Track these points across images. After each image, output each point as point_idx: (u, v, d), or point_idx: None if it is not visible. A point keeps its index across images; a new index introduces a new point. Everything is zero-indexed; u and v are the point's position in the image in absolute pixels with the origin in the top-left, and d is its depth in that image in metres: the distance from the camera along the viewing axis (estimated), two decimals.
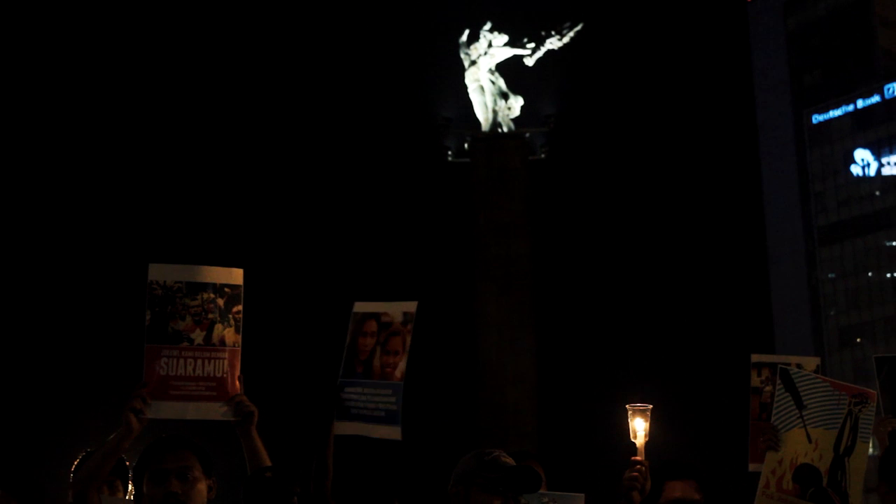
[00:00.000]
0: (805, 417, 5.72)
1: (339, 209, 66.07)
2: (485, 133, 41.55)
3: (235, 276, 5.37)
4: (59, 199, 62.71)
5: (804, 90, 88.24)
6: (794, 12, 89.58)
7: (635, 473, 5.59)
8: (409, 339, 5.75)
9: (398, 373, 5.71)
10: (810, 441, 5.72)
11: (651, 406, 5.75)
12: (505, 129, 41.52)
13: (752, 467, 6.49)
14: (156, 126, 67.32)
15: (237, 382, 5.32)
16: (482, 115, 41.80)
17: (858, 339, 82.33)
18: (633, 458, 5.66)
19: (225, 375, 5.27)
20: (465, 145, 41.69)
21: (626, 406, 5.77)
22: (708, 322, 73.05)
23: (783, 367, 5.91)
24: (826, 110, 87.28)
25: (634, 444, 5.70)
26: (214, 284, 5.30)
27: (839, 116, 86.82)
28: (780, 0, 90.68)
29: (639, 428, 5.71)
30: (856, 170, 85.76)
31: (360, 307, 5.87)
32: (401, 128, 53.49)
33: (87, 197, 62.11)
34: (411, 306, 5.82)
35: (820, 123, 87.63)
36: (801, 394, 5.73)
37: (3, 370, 45.07)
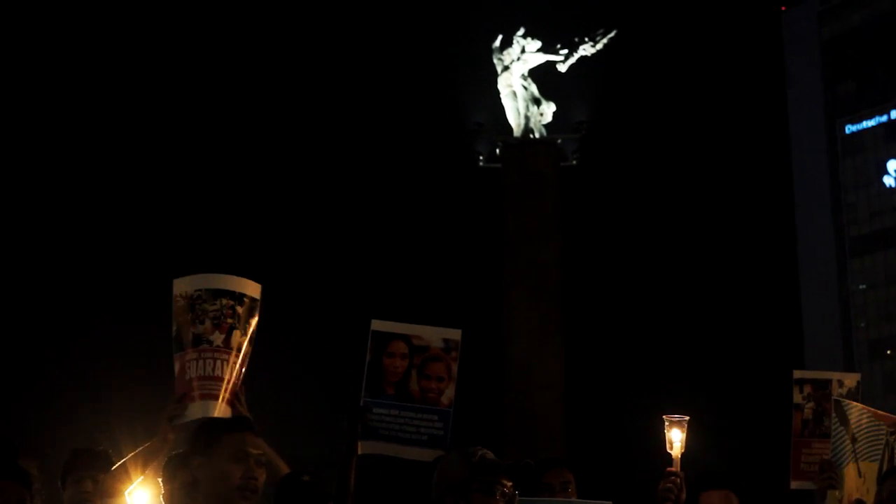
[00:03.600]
0: (857, 451, 5.66)
1: (369, 213, 66.18)
2: (516, 138, 41.48)
3: (254, 289, 5.37)
4: (83, 217, 62.64)
5: (837, 100, 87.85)
6: (828, 22, 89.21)
7: (670, 484, 5.55)
8: (455, 366, 5.82)
9: (445, 399, 5.79)
10: (860, 475, 5.66)
11: (688, 417, 5.72)
12: (536, 135, 41.46)
13: (793, 485, 6.48)
14: (181, 142, 67.42)
15: (240, 392, 5.31)
16: (514, 120, 41.75)
17: (889, 352, 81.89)
18: (668, 469, 5.62)
19: (237, 381, 5.28)
20: (497, 150, 41.63)
21: (663, 417, 5.73)
22: (737, 332, 72.82)
23: (837, 399, 5.86)
24: (859, 121, 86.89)
25: (670, 454, 5.67)
26: (234, 292, 5.31)
27: (872, 127, 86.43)
28: (814, 9, 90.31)
29: (675, 439, 5.67)
30: (888, 181, 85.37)
31: (382, 326, 5.85)
32: (433, 132, 53.59)
33: (112, 215, 62.02)
34: (455, 334, 5.87)
35: (853, 134, 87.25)
36: (852, 426, 5.67)
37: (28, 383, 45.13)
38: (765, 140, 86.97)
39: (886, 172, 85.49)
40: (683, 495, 5.57)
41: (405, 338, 5.81)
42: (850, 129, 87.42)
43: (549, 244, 39.63)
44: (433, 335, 5.84)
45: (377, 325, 5.84)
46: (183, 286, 5.29)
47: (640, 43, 61.54)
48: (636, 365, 63.81)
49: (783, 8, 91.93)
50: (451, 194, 56.82)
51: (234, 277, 5.35)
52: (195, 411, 5.16)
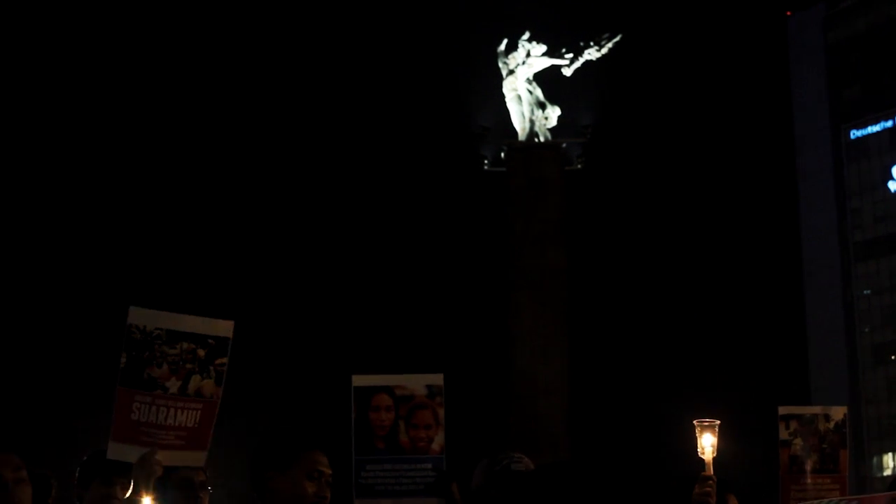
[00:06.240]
0: None
1: (373, 217, 66.22)
2: (521, 143, 41.52)
3: (223, 328, 5.21)
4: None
5: (843, 105, 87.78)
6: (833, 27, 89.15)
7: (707, 489, 5.54)
8: (441, 412, 5.76)
9: (436, 446, 5.74)
10: None
11: (719, 422, 5.71)
12: (542, 139, 41.48)
13: None
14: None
15: (209, 435, 5.20)
16: (519, 124, 41.77)
17: (893, 357, 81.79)
18: (703, 473, 5.61)
19: (196, 426, 5.14)
20: (502, 154, 41.68)
21: (694, 422, 5.71)
22: (741, 337, 72.78)
23: None
24: (864, 126, 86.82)
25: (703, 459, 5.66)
26: (196, 335, 5.16)
27: (877, 132, 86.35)
28: (819, 15, 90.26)
29: (707, 443, 5.66)
30: (893, 186, 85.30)
31: (363, 381, 5.81)
32: (438, 136, 53.60)
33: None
34: (437, 379, 5.81)
35: (858, 139, 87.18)
36: None
37: None
38: (770, 144, 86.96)
39: (891, 177, 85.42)
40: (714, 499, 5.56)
41: (388, 389, 5.76)
42: (855, 134, 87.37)
43: (554, 248, 39.69)
44: (416, 383, 5.78)
45: (358, 380, 5.80)
46: (140, 318, 5.11)
47: (645, 47, 61.55)
48: (641, 369, 63.84)
49: (788, 13, 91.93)
50: (457, 198, 56.86)
51: (199, 318, 5.20)
52: (135, 455, 5.03)
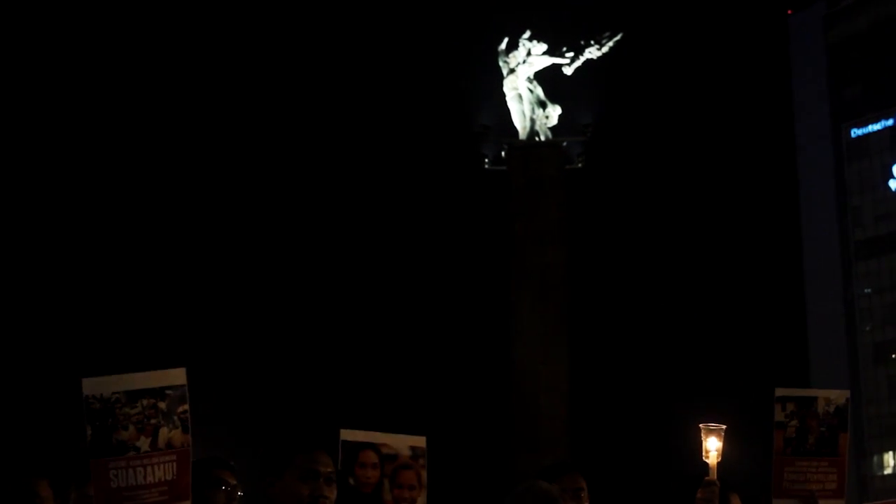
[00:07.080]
0: None
1: (372, 215, 66.20)
2: (522, 141, 41.53)
3: (176, 376, 5.24)
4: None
5: (843, 104, 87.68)
6: (834, 26, 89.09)
7: (709, 493, 5.53)
8: (424, 474, 5.85)
9: None
10: None
11: (725, 426, 5.70)
12: (542, 138, 41.49)
13: (775, 502, 6.49)
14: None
15: (189, 483, 5.24)
16: (520, 123, 41.78)
17: (894, 356, 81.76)
18: (706, 478, 5.59)
19: (175, 478, 5.15)
20: (502, 153, 41.69)
21: (700, 425, 5.71)
22: (742, 335, 72.75)
23: None
24: (865, 124, 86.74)
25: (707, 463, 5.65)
26: (153, 389, 5.17)
27: (878, 130, 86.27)
28: (820, 13, 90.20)
29: (711, 447, 5.65)
30: (894, 184, 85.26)
31: (351, 436, 5.86)
32: (438, 135, 53.54)
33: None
34: (420, 441, 5.92)
35: (859, 137, 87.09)
36: None
37: None
38: (770, 143, 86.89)
39: (892, 176, 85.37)
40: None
41: (374, 447, 5.83)
42: (855, 132, 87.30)
43: (554, 247, 39.71)
44: (400, 443, 5.86)
45: (346, 434, 5.84)
46: (95, 387, 5.13)
47: (646, 46, 61.48)
48: (641, 368, 63.80)
49: (789, 12, 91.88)
50: (457, 197, 56.80)
51: (152, 373, 5.22)
52: None
